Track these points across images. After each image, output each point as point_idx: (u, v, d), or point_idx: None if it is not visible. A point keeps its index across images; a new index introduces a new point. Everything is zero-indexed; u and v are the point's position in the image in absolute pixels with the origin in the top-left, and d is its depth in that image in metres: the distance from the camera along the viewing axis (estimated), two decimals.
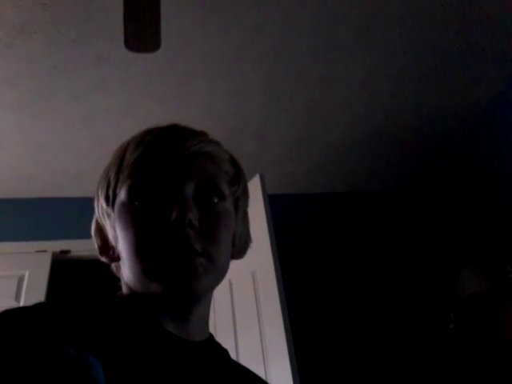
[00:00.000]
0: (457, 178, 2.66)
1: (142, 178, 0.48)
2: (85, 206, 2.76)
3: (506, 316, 1.91)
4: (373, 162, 2.65)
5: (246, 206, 0.59)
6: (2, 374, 0.33)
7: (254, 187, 1.84)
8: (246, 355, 1.62)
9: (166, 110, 2.07)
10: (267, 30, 1.74)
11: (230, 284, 1.81)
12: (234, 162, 0.56)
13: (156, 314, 0.48)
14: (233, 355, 0.60)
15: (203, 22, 1.69)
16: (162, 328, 0.47)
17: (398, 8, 1.72)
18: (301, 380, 1.41)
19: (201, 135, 0.54)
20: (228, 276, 0.54)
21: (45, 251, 2.29)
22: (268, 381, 0.62)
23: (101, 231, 0.54)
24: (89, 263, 2.52)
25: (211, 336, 0.56)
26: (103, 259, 0.54)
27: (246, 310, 1.72)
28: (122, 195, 0.49)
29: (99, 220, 0.54)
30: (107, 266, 0.58)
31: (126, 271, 0.49)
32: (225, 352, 0.57)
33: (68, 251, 2.33)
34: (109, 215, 0.51)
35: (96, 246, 0.55)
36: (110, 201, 0.51)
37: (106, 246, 0.53)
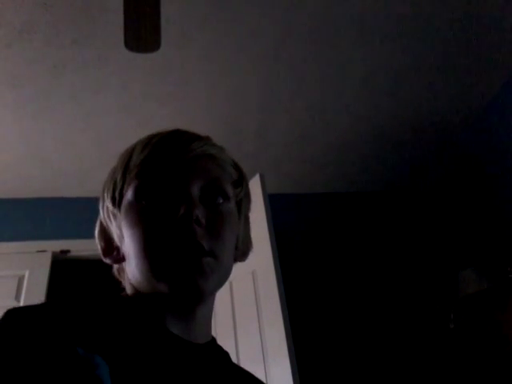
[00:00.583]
0: (457, 178, 2.66)
1: (149, 178, 0.50)
2: (85, 206, 2.76)
3: (506, 316, 1.91)
4: (373, 161, 2.65)
5: (248, 209, 0.60)
6: (10, 372, 0.34)
7: (254, 187, 1.84)
8: (246, 355, 1.62)
9: (166, 109, 2.08)
10: (267, 30, 1.74)
11: (230, 284, 1.80)
12: (236, 166, 0.58)
13: (161, 315, 0.48)
14: (233, 355, 0.60)
15: (203, 22, 1.69)
16: (167, 330, 0.48)
17: (397, 8, 1.72)
18: (301, 380, 1.41)
19: (205, 139, 0.55)
20: None
21: (45, 251, 2.29)
22: (268, 381, 0.62)
23: (105, 233, 0.55)
24: (89, 263, 2.52)
25: (213, 339, 0.56)
26: (107, 261, 0.55)
27: (246, 310, 1.71)
28: (128, 195, 0.50)
29: (103, 222, 0.55)
30: (107, 266, 0.58)
31: (131, 271, 0.49)
32: (226, 355, 0.57)
33: (68, 251, 2.33)
34: (115, 216, 0.52)
35: (99, 247, 0.55)
36: (117, 201, 0.52)
37: (110, 248, 0.54)
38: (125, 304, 0.51)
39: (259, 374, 0.61)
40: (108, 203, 0.53)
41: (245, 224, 0.59)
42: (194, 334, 0.50)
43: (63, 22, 1.60)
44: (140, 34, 1.34)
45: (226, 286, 1.81)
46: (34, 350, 0.36)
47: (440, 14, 1.78)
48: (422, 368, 2.24)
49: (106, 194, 0.54)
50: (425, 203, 2.86)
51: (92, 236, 0.58)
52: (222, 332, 1.74)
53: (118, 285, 0.58)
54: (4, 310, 0.41)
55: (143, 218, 0.48)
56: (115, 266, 0.57)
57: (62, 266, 2.41)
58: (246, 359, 1.59)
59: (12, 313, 0.39)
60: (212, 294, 0.52)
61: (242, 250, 0.57)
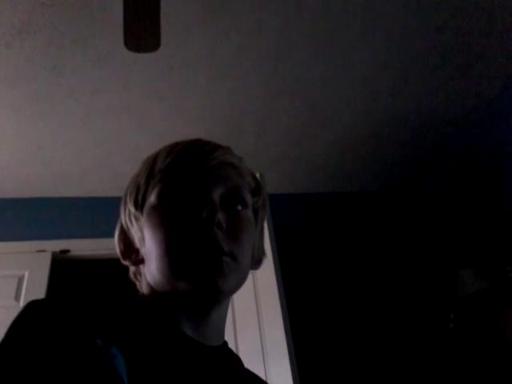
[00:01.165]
0: (457, 178, 2.66)
1: (173, 182, 0.52)
2: (85, 206, 2.76)
3: (506, 316, 1.91)
4: (373, 162, 2.65)
5: (264, 219, 0.62)
6: (33, 360, 0.35)
7: None
8: (246, 355, 1.62)
9: (166, 109, 2.08)
10: (267, 30, 1.74)
11: None
12: (254, 177, 0.61)
13: (175, 316, 0.50)
14: None
15: (203, 22, 1.69)
16: (180, 330, 0.49)
17: (397, 8, 1.72)
18: (301, 380, 1.41)
19: (226, 149, 0.58)
20: None
21: (45, 251, 2.29)
22: (268, 381, 0.62)
23: (125, 235, 0.57)
24: (89, 263, 2.52)
25: (225, 342, 0.57)
26: (126, 263, 0.57)
27: (246, 310, 1.71)
28: (152, 198, 0.52)
29: (124, 225, 0.57)
30: (107, 266, 0.59)
31: (152, 271, 0.51)
32: (237, 359, 0.58)
33: (68, 251, 2.33)
34: (137, 218, 0.54)
35: (118, 250, 0.57)
36: (139, 205, 0.54)
37: (130, 250, 0.55)
38: (141, 303, 0.53)
39: (259, 374, 0.61)
40: (130, 206, 0.55)
41: (260, 232, 0.61)
42: (208, 337, 0.51)
43: (63, 22, 1.60)
44: (140, 34, 1.34)
45: None
46: (55, 340, 0.37)
47: (440, 14, 1.78)
48: (421, 368, 2.24)
49: (128, 198, 0.56)
50: (425, 203, 2.86)
51: (92, 236, 0.58)
52: None
53: (118, 284, 0.59)
54: (4, 310, 0.41)
55: (166, 220, 0.50)
56: (132, 269, 0.59)
57: (61, 265, 2.41)
58: (246, 359, 1.58)
59: (34, 304, 0.41)
60: (229, 295, 0.53)
61: (257, 258, 0.59)
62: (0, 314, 1.35)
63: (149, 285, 0.53)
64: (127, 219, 0.56)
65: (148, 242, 0.51)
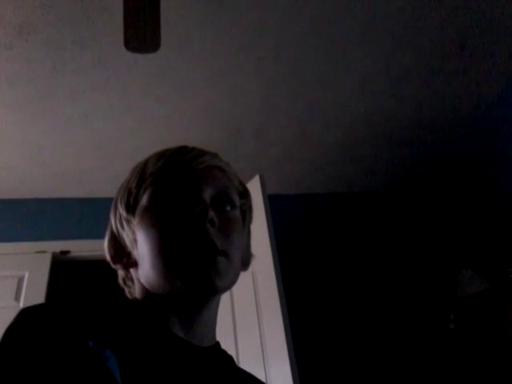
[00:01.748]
0: (457, 179, 2.66)
1: (164, 184, 0.54)
2: (85, 206, 2.76)
3: (506, 316, 1.91)
4: (373, 162, 2.65)
5: (251, 222, 0.64)
6: (24, 364, 0.36)
7: (254, 187, 1.84)
8: (246, 355, 1.62)
9: (166, 110, 2.07)
10: (267, 30, 1.74)
11: None
12: (241, 181, 0.63)
13: (167, 318, 0.50)
14: (233, 355, 0.60)
15: (203, 22, 1.69)
16: (172, 333, 0.50)
17: (397, 8, 1.72)
18: (301, 380, 1.41)
19: (214, 154, 0.60)
20: None
21: (45, 252, 2.29)
22: (268, 381, 0.62)
23: (115, 240, 0.57)
24: (88, 264, 2.52)
25: (218, 343, 0.57)
26: (117, 267, 0.57)
27: (246, 310, 1.71)
28: (144, 201, 0.54)
29: (114, 230, 0.58)
30: (107, 267, 0.59)
31: (146, 272, 0.52)
32: (230, 359, 0.58)
33: (68, 251, 2.33)
34: (128, 221, 0.55)
35: (108, 256, 0.57)
36: (131, 208, 0.55)
37: (121, 254, 0.56)
38: (132, 305, 0.54)
39: (259, 374, 0.61)
40: (121, 210, 0.56)
41: (248, 235, 0.63)
42: (199, 337, 0.52)
43: (63, 22, 1.60)
44: (140, 35, 1.34)
45: None
46: (48, 345, 0.38)
47: (440, 14, 1.78)
48: (421, 368, 2.24)
49: (119, 203, 0.57)
50: (424, 203, 2.86)
51: (92, 237, 0.59)
52: (222, 332, 1.73)
53: (118, 286, 0.59)
54: (4, 311, 0.42)
55: (159, 221, 0.51)
56: (121, 275, 0.59)
57: (61, 266, 2.41)
58: (246, 359, 1.59)
59: (26, 311, 0.42)
60: (222, 293, 0.54)
61: (246, 260, 0.61)
62: (0, 315, 1.35)
63: (142, 287, 0.54)
64: (118, 223, 0.57)
65: (141, 244, 0.52)
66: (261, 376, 0.61)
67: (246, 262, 0.61)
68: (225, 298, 2.06)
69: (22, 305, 2.06)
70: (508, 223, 2.16)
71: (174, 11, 1.60)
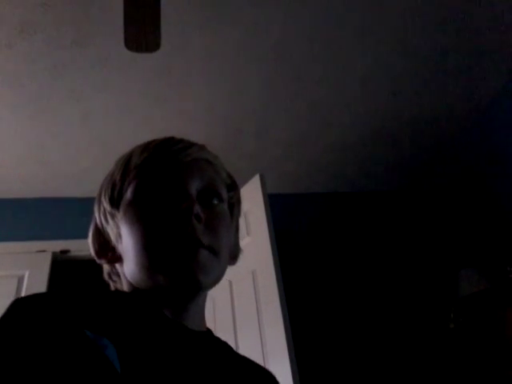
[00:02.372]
0: (457, 178, 2.66)
1: (149, 177, 0.52)
2: (85, 206, 2.75)
3: (506, 316, 1.91)
4: (373, 162, 2.65)
5: (239, 215, 0.63)
6: (20, 356, 0.35)
7: (254, 187, 1.84)
8: (246, 355, 1.62)
9: (166, 109, 2.08)
10: (267, 30, 1.74)
11: (230, 284, 1.80)
12: (229, 174, 0.61)
13: (157, 306, 0.50)
14: None
15: (203, 22, 1.69)
16: (166, 317, 0.49)
17: (397, 8, 1.72)
18: (301, 380, 1.41)
19: (201, 146, 0.58)
20: (228, 276, 0.55)
21: (45, 251, 2.29)
22: None
23: (99, 234, 0.56)
24: (89, 263, 2.51)
25: (210, 330, 0.57)
26: (101, 262, 0.56)
27: (246, 310, 1.71)
28: (128, 194, 0.52)
29: (99, 224, 0.56)
30: None
31: (130, 267, 0.51)
32: (225, 344, 0.58)
33: (68, 251, 2.33)
34: (113, 216, 0.54)
35: (92, 250, 0.56)
36: (115, 202, 0.54)
37: (105, 249, 0.55)
38: (124, 295, 0.52)
39: None
40: (105, 204, 0.55)
41: (236, 229, 0.62)
42: (191, 323, 0.52)
43: (63, 22, 1.60)
44: (140, 34, 1.34)
45: (226, 286, 1.81)
46: (44, 335, 0.37)
47: (440, 14, 1.78)
48: (422, 368, 2.24)
49: (103, 196, 0.56)
50: (424, 203, 2.86)
51: None
52: (222, 332, 1.73)
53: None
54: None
55: (143, 215, 0.50)
56: (106, 269, 0.58)
57: (61, 266, 2.41)
58: None
59: (19, 302, 0.41)
60: (208, 289, 0.53)
61: (234, 254, 0.60)
62: (0, 314, 1.35)
63: (128, 282, 0.53)
64: (102, 218, 0.55)
65: (125, 238, 0.51)
66: None
67: (234, 256, 0.60)
68: (225, 297, 2.06)
69: None
70: (508, 222, 2.17)
71: (174, 11, 1.60)
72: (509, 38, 1.93)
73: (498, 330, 1.95)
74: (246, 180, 1.89)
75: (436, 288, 2.49)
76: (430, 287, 2.51)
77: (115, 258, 0.54)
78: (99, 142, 2.19)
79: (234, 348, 0.60)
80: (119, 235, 0.52)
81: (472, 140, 2.47)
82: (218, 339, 0.57)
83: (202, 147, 0.58)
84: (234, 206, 0.61)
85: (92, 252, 0.56)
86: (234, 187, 0.61)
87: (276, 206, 1.96)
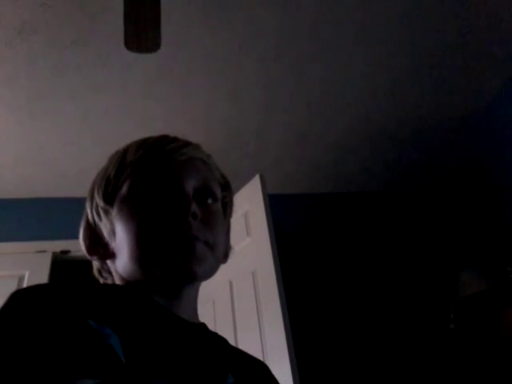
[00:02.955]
0: (457, 179, 2.66)
1: (145, 174, 0.53)
2: (85, 206, 2.76)
3: (506, 316, 1.91)
4: (373, 162, 2.65)
5: (231, 215, 0.64)
6: (24, 345, 0.35)
7: (254, 187, 1.84)
8: None
9: (166, 109, 2.08)
10: (267, 29, 1.74)
11: (230, 284, 1.80)
12: (222, 174, 0.63)
13: (151, 297, 0.50)
14: None
15: (203, 22, 1.69)
16: (162, 306, 0.50)
17: (397, 8, 1.72)
18: (301, 380, 1.41)
19: (196, 145, 0.59)
20: (228, 276, 0.56)
21: (45, 251, 2.29)
22: None
23: (91, 231, 0.56)
24: (89, 263, 2.51)
25: (204, 324, 0.58)
26: (93, 258, 0.57)
27: (246, 310, 1.71)
28: (123, 191, 0.53)
29: (91, 220, 0.57)
30: None
31: (123, 263, 0.51)
32: (220, 336, 0.59)
33: (68, 251, 2.33)
34: (106, 212, 0.54)
35: (84, 246, 0.57)
36: (109, 198, 0.54)
37: (97, 245, 0.55)
38: (120, 287, 0.53)
39: None
40: (99, 200, 0.55)
41: (228, 228, 0.63)
42: (187, 315, 0.52)
43: (63, 22, 1.60)
44: (140, 34, 1.34)
45: (226, 286, 1.81)
46: (47, 325, 0.37)
47: (440, 14, 1.78)
48: (422, 368, 2.24)
49: (96, 192, 0.56)
50: (425, 203, 2.86)
51: None
52: (222, 332, 1.73)
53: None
54: None
55: (139, 211, 0.51)
56: (96, 266, 0.59)
57: (62, 266, 2.41)
58: None
59: (19, 293, 0.41)
60: (201, 281, 0.54)
61: (226, 252, 0.61)
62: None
63: (121, 278, 0.53)
64: (95, 214, 0.55)
65: (120, 234, 0.51)
66: None
67: (225, 255, 0.60)
68: (225, 297, 2.06)
69: None
70: (508, 223, 2.16)
71: (174, 11, 1.60)
72: (509, 38, 1.93)
73: (498, 330, 1.95)
74: (246, 180, 1.88)
75: (436, 288, 2.49)
76: (430, 288, 2.50)
77: (108, 254, 0.54)
78: (99, 141, 2.19)
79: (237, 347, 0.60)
80: (113, 231, 0.53)
81: (472, 140, 2.47)
82: (212, 332, 0.58)
83: (197, 146, 0.58)
84: (227, 205, 0.62)
85: (83, 248, 0.57)
86: (227, 187, 0.62)
87: (276, 206, 1.95)
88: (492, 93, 2.25)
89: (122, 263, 0.52)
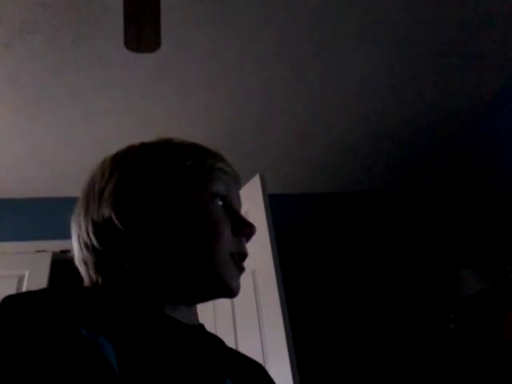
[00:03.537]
0: (457, 178, 2.66)
1: (227, 185, 0.59)
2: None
3: (506, 316, 1.91)
4: (372, 162, 2.65)
5: None
6: (14, 355, 0.34)
7: (254, 187, 1.84)
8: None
9: (166, 110, 2.07)
10: (267, 29, 1.74)
11: None
12: None
13: (157, 303, 0.50)
14: None
15: (203, 22, 1.69)
16: (163, 312, 0.49)
17: (397, 8, 1.72)
18: (301, 380, 1.41)
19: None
20: None
21: (45, 251, 2.29)
22: None
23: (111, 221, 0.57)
24: None
25: (202, 325, 0.58)
26: (101, 248, 0.54)
27: (246, 310, 1.71)
28: (213, 187, 0.57)
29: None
30: None
31: (159, 263, 0.52)
32: (217, 338, 0.59)
33: (68, 251, 2.32)
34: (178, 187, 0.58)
35: (95, 236, 0.56)
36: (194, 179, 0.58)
37: (115, 235, 0.54)
38: (117, 292, 0.51)
39: None
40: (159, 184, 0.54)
41: None
42: (189, 318, 0.53)
43: (63, 22, 1.60)
44: (140, 34, 1.34)
45: None
46: (38, 333, 0.36)
47: (440, 14, 1.78)
48: (421, 368, 2.24)
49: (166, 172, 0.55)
50: (425, 203, 2.86)
51: None
52: (222, 332, 1.73)
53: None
54: None
55: (221, 216, 0.55)
56: (93, 261, 0.55)
57: (62, 266, 2.41)
58: None
59: (10, 299, 0.39)
60: None
61: None
62: None
63: (130, 276, 0.51)
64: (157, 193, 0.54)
65: (186, 229, 0.52)
66: None
67: None
68: None
69: None
70: (508, 222, 2.16)
71: (174, 11, 1.60)
72: (509, 38, 1.93)
73: (498, 330, 1.95)
74: (246, 180, 1.89)
75: (436, 288, 2.49)
76: (430, 287, 2.50)
77: (126, 248, 0.52)
78: (99, 141, 2.19)
79: (234, 348, 0.61)
80: (147, 225, 0.52)
81: (472, 140, 2.47)
82: (210, 333, 0.58)
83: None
84: None
85: (93, 235, 0.55)
86: None
87: (276, 206, 1.95)
88: (492, 93, 2.25)
89: (155, 263, 0.51)
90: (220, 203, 0.56)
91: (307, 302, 2.33)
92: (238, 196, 0.61)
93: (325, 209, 2.79)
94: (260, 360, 1.63)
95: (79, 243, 0.58)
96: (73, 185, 2.48)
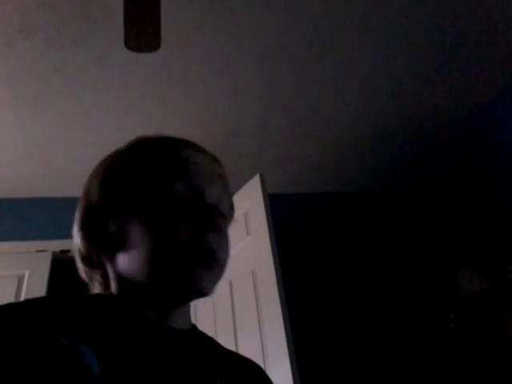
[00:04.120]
0: (457, 178, 2.66)
1: (197, 180, 0.55)
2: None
3: (506, 316, 1.91)
4: (373, 161, 2.65)
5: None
6: None
7: (254, 187, 1.84)
8: (246, 355, 1.62)
9: (166, 110, 2.08)
10: (267, 29, 1.74)
11: (230, 284, 1.81)
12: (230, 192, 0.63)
13: (141, 307, 0.50)
14: None
15: (203, 22, 1.69)
16: (148, 317, 0.49)
17: (397, 8, 1.72)
18: (301, 380, 1.41)
19: (215, 157, 0.60)
20: (228, 276, 0.56)
21: (45, 251, 2.29)
22: None
23: (97, 220, 0.57)
24: None
25: (194, 326, 0.57)
26: (91, 251, 0.56)
27: (246, 310, 1.71)
28: (173, 188, 0.53)
29: (98, 210, 0.58)
30: None
31: (132, 261, 0.50)
32: (211, 339, 0.58)
33: (68, 251, 2.33)
34: (123, 205, 0.55)
35: (82, 237, 0.58)
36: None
37: (100, 235, 0.55)
38: (104, 298, 0.52)
39: None
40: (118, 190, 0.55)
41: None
42: (176, 321, 0.52)
43: (63, 22, 1.60)
44: (140, 34, 1.34)
45: (226, 286, 1.81)
46: (18, 344, 0.36)
47: (440, 14, 1.78)
48: (422, 368, 2.25)
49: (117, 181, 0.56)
50: (425, 203, 2.86)
51: None
52: (222, 332, 1.74)
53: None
54: None
55: (172, 215, 0.51)
56: (85, 269, 0.57)
57: (62, 265, 2.41)
58: None
59: None
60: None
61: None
62: None
63: (118, 276, 0.52)
64: (106, 204, 0.55)
65: (135, 233, 0.50)
66: None
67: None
68: (225, 297, 2.05)
69: None
70: (508, 222, 2.17)
71: (174, 11, 1.60)
72: (509, 38, 1.93)
73: (498, 329, 1.95)
74: (245, 180, 1.89)
75: (436, 287, 2.49)
76: (429, 287, 2.51)
77: (110, 247, 0.53)
78: (99, 141, 2.19)
79: (234, 348, 0.60)
80: (124, 226, 0.52)
81: (472, 140, 2.47)
82: (203, 335, 0.58)
83: (216, 158, 0.59)
84: (232, 218, 0.63)
85: (80, 238, 0.57)
86: (232, 206, 0.62)
87: (276, 205, 1.95)
88: (492, 93, 2.25)
89: (129, 260, 0.50)
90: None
91: (307, 302, 2.33)
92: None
93: (325, 209, 2.79)
94: (260, 360, 1.63)
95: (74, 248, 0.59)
96: (73, 185, 2.48)
